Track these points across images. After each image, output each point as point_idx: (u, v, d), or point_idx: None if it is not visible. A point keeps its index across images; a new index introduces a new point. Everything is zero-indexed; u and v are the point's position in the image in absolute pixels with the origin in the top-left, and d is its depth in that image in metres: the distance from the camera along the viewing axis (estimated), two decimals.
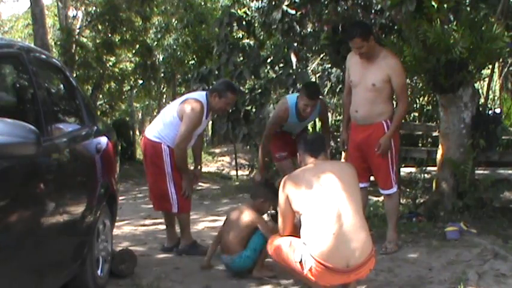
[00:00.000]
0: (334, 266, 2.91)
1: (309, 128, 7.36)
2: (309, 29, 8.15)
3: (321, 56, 8.72)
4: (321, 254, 2.92)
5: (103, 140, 3.66)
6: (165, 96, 22.09)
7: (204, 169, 18.93)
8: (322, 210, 3.01)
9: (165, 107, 4.65)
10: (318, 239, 2.96)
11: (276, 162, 5.26)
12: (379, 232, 4.56)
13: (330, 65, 8.62)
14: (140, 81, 16.51)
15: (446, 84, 4.81)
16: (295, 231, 3.19)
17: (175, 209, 4.42)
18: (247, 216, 3.79)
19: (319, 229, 2.97)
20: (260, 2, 8.33)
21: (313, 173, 3.16)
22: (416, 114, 8.36)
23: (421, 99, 8.18)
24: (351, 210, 3.00)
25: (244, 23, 8.08)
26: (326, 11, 6.92)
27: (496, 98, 9.01)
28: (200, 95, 4.44)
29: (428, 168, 6.19)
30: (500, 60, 7.42)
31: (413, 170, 6.52)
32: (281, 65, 8.53)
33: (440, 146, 5.20)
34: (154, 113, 28.16)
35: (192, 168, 4.79)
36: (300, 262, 3.01)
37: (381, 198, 6.39)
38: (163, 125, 4.33)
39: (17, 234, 2.26)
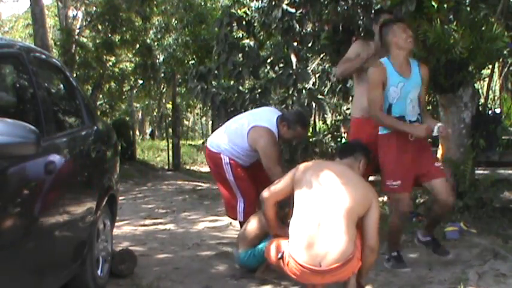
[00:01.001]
0: (306, 263, 2.94)
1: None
2: (308, 29, 8.16)
3: (321, 56, 8.72)
4: (295, 251, 2.97)
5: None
6: (165, 96, 22.08)
7: (204, 169, 18.98)
8: (308, 207, 3.04)
9: (231, 120, 4.51)
10: (295, 235, 3.01)
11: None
12: (379, 232, 4.56)
13: (330, 65, 8.62)
14: (140, 81, 16.52)
15: (446, 84, 4.81)
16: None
17: (240, 218, 4.31)
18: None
19: (299, 226, 3.02)
20: (260, 1, 8.34)
21: (317, 169, 3.19)
22: None
23: None
24: (337, 211, 2.98)
25: (244, 23, 8.09)
26: (326, 11, 6.92)
27: (496, 98, 9.02)
28: (269, 121, 4.19)
29: None
30: (500, 60, 7.42)
31: None
32: (281, 65, 8.54)
33: (440, 146, 5.21)
34: (154, 113, 28.24)
35: None
36: (281, 259, 3.08)
37: (381, 199, 6.40)
38: (227, 140, 4.25)
39: (17, 234, 2.26)
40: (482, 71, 5.93)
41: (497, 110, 6.52)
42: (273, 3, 7.54)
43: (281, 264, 3.11)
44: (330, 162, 3.38)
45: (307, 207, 3.05)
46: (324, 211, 2.99)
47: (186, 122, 34.47)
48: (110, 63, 15.08)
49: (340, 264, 2.92)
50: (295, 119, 4.18)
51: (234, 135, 4.22)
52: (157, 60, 15.68)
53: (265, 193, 3.31)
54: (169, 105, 21.76)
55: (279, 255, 3.09)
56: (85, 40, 14.60)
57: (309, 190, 3.09)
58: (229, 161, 4.20)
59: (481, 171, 5.72)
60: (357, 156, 3.35)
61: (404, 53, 3.71)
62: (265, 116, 4.27)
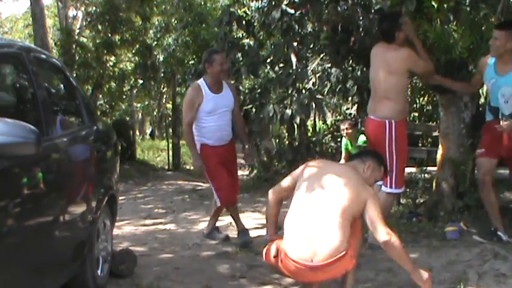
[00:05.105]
0: (298, 258, 2.96)
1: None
2: (308, 29, 8.16)
3: (321, 56, 8.72)
4: (288, 247, 3.01)
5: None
6: (165, 96, 22.08)
7: None
8: (302, 205, 3.09)
9: None
10: (289, 232, 3.05)
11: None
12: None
13: (330, 65, 8.63)
14: (140, 81, 16.50)
15: None
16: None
17: (218, 203, 4.72)
18: None
19: (293, 223, 3.06)
20: (260, 1, 8.34)
21: (317, 169, 3.23)
22: (416, 114, 8.37)
23: (421, 99, 8.19)
24: (330, 210, 2.99)
25: (243, 22, 8.09)
26: (326, 11, 6.92)
27: None
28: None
29: (429, 168, 6.19)
30: None
31: (413, 170, 6.52)
32: (281, 65, 8.54)
33: (440, 146, 5.21)
34: (154, 113, 28.21)
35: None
36: (275, 256, 3.10)
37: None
38: None
39: (17, 234, 2.26)
40: None
41: None
42: (273, 3, 7.54)
43: (276, 262, 3.12)
44: (332, 163, 3.42)
45: (301, 205, 3.10)
46: (318, 209, 3.02)
47: None
48: (110, 63, 15.06)
49: (332, 261, 2.93)
50: (208, 54, 4.63)
51: None
52: (157, 60, 15.68)
53: (271, 190, 3.35)
54: (169, 105, 21.74)
55: (274, 253, 3.11)
56: (85, 40, 14.58)
57: (305, 189, 3.14)
58: (200, 147, 4.65)
59: None
60: (364, 159, 3.35)
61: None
62: None
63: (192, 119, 4.56)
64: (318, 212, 3.01)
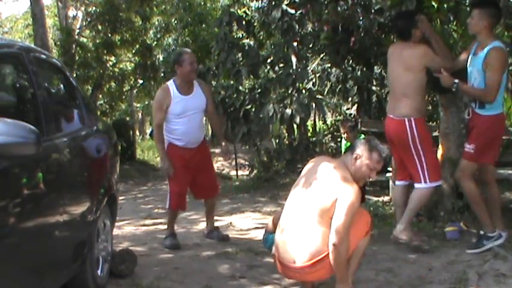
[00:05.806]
0: (281, 258, 3.04)
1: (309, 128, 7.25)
2: (308, 29, 8.17)
3: (321, 56, 8.72)
4: (276, 247, 3.10)
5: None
6: None
7: None
8: (289, 205, 3.13)
9: None
10: (277, 230, 3.13)
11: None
12: (379, 232, 4.57)
13: (330, 65, 8.63)
14: (140, 81, 16.52)
15: None
16: None
17: (167, 205, 4.87)
18: None
19: (281, 221, 3.13)
20: (260, 1, 8.35)
21: (311, 166, 3.25)
22: None
23: None
24: (310, 211, 2.98)
25: (243, 22, 8.09)
26: (326, 11, 6.93)
27: None
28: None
29: None
30: None
31: None
32: (281, 64, 8.55)
33: (440, 146, 5.20)
34: None
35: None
36: (274, 255, 3.19)
37: (381, 198, 6.39)
38: None
39: (16, 234, 2.26)
40: None
41: None
42: (273, 3, 7.54)
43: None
44: (325, 160, 3.28)
45: (289, 204, 3.14)
46: (300, 210, 3.04)
47: None
48: (110, 63, 15.07)
49: (313, 263, 2.93)
50: (177, 56, 4.59)
51: None
52: (157, 60, 15.69)
53: None
54: None
55: (272, 252, 3.18)
56: (85, 40, 14.60)
57: (295, 187, 3.18)
58: (167, 146, 4.62)
59: None
60: (353, 151, 3.17)
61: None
62: None
63: (161, 121, 4.51)
64: (300, 212, 3.02)
